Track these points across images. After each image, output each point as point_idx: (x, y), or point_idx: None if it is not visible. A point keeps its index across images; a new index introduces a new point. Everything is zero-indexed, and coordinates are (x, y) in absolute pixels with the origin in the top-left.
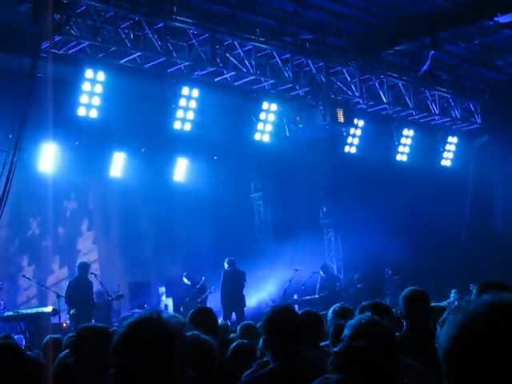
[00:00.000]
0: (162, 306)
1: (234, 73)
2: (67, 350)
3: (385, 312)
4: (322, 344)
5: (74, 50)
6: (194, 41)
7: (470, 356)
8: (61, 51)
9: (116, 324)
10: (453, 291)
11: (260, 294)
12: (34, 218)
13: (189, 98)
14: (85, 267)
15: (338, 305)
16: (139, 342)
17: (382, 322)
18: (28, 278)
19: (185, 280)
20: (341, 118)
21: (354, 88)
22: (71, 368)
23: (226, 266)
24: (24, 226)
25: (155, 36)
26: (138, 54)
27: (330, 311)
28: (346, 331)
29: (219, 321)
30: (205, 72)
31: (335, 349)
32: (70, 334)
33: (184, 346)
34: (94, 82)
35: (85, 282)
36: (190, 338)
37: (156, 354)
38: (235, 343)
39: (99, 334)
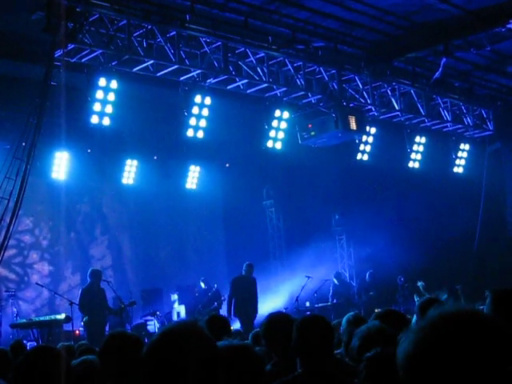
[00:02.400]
0: (175, 314)
1: (246, 80)
2: (82, 357)
3: (399, 319)
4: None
5: (87, 58)
6: (206, 49)
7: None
8: (74, 59)
9: (129, 331)
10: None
11: (272, 301)
12: (46, 224)
13: (201, 105)
14: (97, 274)
15: (351, 313)
16: (172, 352)
17: (390, 331)
18: (41, 285)
19: (202, 284)
20: (353, 126)
21: (366, 95)
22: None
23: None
24: (37, 233)
25: (168, 44)
26: (151, 62)
27: (344, 320)
28: (354, 340)
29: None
30: (217, 80)
31: (368, 354)
32: (82, 342)
33: (217, 355)
34: (106, 90)
35: (97, 290)
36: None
37: (189, 364)
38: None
39: (128, 340)
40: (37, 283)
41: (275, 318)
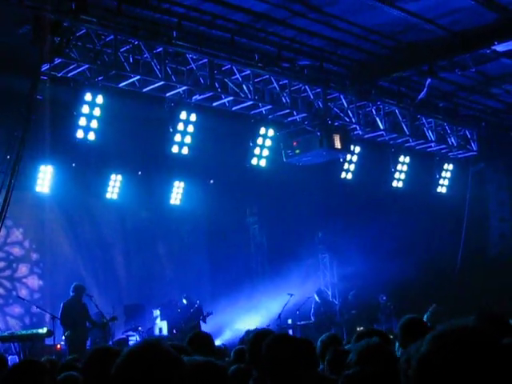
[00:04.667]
0: (157, 329)
1: (232, 98)
2: (65, 373)
3: (381, 338)
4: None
5: (74, 72)
6: (192, 65)
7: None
8: (60, 74)
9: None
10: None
11: (255, 318)
12: (36, 237)
13: (187, 122)
14: (79, 289)
15: (326, 334)
16: (137, 371)
17: (387, 348)
18: (23, 299)
19: (184, 301)
20: (338, 144)
21: (351, 114)
22: None
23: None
24: (27, 246)
25: (154, 60)
26: (137, 77)
27: (319, 341)
28: (352, 355)
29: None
30: (203, 97)
31: (347, 372)
32: (70, 357)
33: (183, 372)
34: (92, 104)
35: (79, 304)
36: (205, 364)
37: (154, 382)
38: (233, 367)
39: (113, 355)
40: (18, 297)
41: (261, 334)
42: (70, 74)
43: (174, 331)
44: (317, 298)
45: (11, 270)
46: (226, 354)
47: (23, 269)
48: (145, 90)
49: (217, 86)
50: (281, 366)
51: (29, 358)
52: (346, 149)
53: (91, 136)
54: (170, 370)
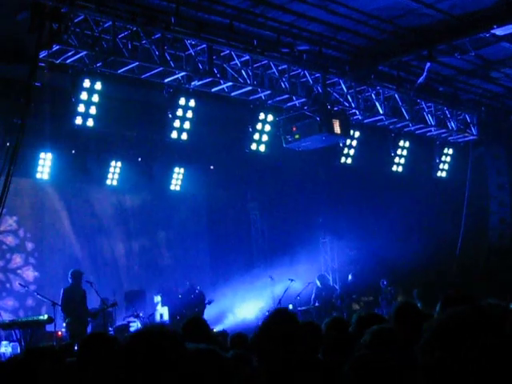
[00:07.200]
0: (158, 315)
1: (231, 83)
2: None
3: (380, 323)
4: None
5: (72, 59)
6: (191, 51)
7: None
8: (58, 60)
9: (112, 332)
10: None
11: (255, 304)
12: (31, 226)
13: (186, 107)
14: (78, 275)
15: (329, 318)
16: (140, 356)
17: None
18: (23, 286)
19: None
20: (337, 129)
21: (350, 99)
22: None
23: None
24: (22, 235)
25: (153, 46)
26: (136, 63)
27: (323, 325)
28: (366, 337)
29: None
30: (202, 82)
31: (358, 354)
32: (65, 343)
33: (184, 358)
34: (91, 91)
35: (78, 290)
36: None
37: (157, 368)
38: (230, 353)
39: (105, 341)
40: (19, 283)
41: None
42: (68, 61)
43: (178, 317)
44: (318, 283)
45: (5, 261)
46: (223, 341)
47: (18, 259)
48: (143, 76)
49: (216, 71)
50: (269, 352)
51: (30, 347)
52: (345, 134)
53: (90, 123)
54: (174, 355)
